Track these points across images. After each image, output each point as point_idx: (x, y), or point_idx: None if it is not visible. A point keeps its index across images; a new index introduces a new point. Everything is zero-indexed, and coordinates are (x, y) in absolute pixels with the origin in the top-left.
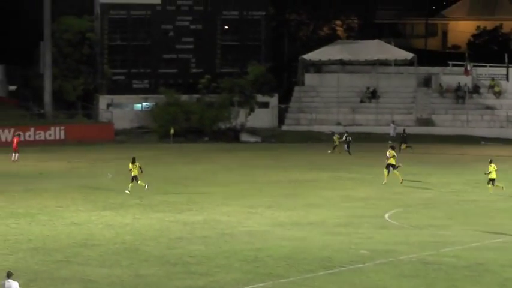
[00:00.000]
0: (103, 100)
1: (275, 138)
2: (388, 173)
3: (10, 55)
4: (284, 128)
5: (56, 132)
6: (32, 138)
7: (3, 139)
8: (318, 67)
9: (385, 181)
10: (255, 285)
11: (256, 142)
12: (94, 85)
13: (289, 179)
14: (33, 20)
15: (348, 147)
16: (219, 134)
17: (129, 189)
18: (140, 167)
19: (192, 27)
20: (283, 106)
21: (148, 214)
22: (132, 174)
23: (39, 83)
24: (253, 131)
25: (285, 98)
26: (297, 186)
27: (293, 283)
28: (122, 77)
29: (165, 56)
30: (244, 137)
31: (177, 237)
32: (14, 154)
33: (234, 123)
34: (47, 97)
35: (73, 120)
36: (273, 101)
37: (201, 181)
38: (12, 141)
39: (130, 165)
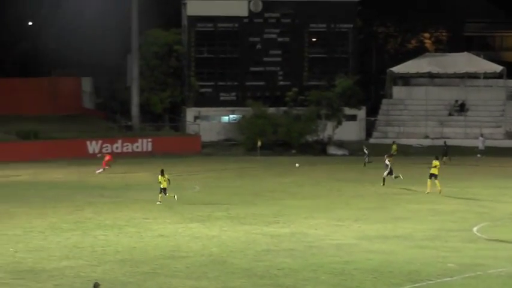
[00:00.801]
0: (190, 112)
1: (362, 151)
2: (432, 182)
3: (98, 68)
4: (372, 141)
5: (143, 145)
6: (119, 150)
7: (91, 151)
8: (406, 80)
9: (427, 191)
10: None
11: (344, 155)
12: (181, 97)
13: (376, 192)
14: (120, 33)
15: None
16: (306, 147)
17: (160, 200)
18: (168, 180)
19: (280, 39)
20: (371, 119)
21: (235, 226)
22: (161, 187)
23: (126, 96)
24: (340, 144)
25: (373, 111)
26: (384, 199)
27: None
28: (209, 90)
29: (252, 68)
30: (331, 149)
31: (263, 250)
32: (102, 169)
33: (321, 136)
34: (134, 109)
35: (160, 133)
36: (361, 113)
37: (288, 194)
38: (104, 156)
39: (160, 177)
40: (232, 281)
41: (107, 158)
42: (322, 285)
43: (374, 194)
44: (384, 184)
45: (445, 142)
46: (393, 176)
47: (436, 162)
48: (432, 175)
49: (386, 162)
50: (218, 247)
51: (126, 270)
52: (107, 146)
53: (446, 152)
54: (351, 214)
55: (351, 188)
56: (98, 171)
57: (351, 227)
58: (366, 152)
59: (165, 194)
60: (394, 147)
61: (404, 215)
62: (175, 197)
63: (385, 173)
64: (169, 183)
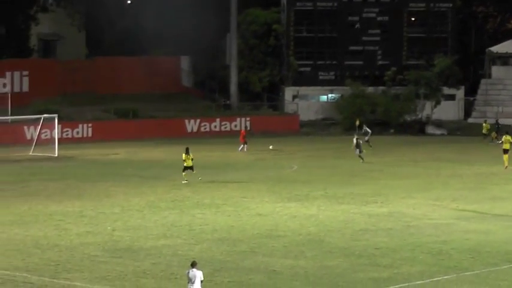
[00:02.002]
0: (288, 92)
1: (461, 131)
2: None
3: (196, 47)
4: (470, 120)
5: (242, 123)
6: (217, 129)
7: (189, 130)
8: (505, 60)
9: (506, 165)
10: (439, 278)
11: (442, 135)
12: (279, 77)
13: (474, 172)
14: (219, 11)
15: None
16: (405, 126)
17: (185, 179)
18: (192, 159)
19: (379, 19)
20: (469, 99)
21: (333, 206)
22: (185, 165)
23: (225, 75)
24: (439, 124)
25: (471, 91)
26: (482, 179)
27: (477, 276)
28: (308, 69)
29: (351, 47)
30: (430, 129)
31: (361, 229)
32: (242, 146)
33: (419, 116)
34: (233, 88)
35: (258, 112)
36: (459, 93)
37: (386, 173)
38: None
39: (184, 155)
40: (330, 260)
41: (243, 133)
42: (419, 264)
43: (472, 174)
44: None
45: (496, 121)
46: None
47: (507, 137)
48: (505, 150)
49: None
50: (316, 226)
51: (224, 249)
52: (205, 125)
53: (498, 131)
54: (448, 194)
55: (449, 167)
56: (240, 148)
57: (448, 207)
58: (369, 130)
59: (193, 170)
60: (486, 126)
61: (503, 195)
62: (187, 181)
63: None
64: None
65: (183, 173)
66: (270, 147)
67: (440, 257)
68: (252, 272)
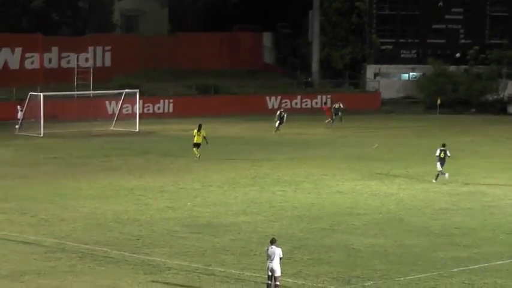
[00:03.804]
0: (370, 69)
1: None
2: None
3: (279, 23)
4: None
5: (323, 101)
6: (298, 106)
7: (270, 107)
8: None
9: None
10: None
11: None
12: (361, 54)
13: None
14: None
15: None
16: (486, 106)
17: (198, 155)
18: (205, 137)
19: None
20: None
21: (414, 185)
22: (195, 141)
23: (307, 52)
24: None
25: None
26: None
27: None
28: (390, 47)
29: (433, 26)
30: (511, 109)
31: (441, 209)
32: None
33: (501, 95)
34: (315, 66)
35: (340, 89)
36: None
37: (467, 153)
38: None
39: (195, 131)
40: (409, 238)
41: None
42: (499, 245)
43: None
44: None
45: None
46: None
47: None
48: None
49: None
50: (396, 205)
51: (303, 226)
52: (286, 102)
53: None
54: None
55: None
56: (327, 121)
57: None
58: (342, 106)
59: (198, 148)
60: None
61: None
62: (199, 156)
63: None
64: (207, 142)
65: (194, 149)
66: (375, 145)
67: None
68: (331, 250)
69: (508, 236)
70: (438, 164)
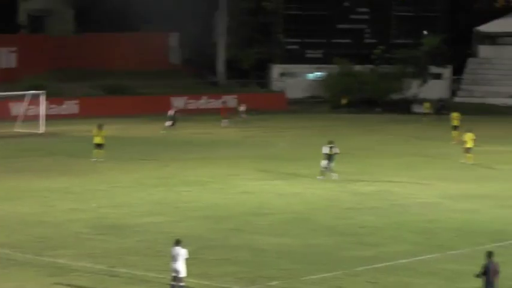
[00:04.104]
0: (276, 69)
1: (447, 110)
2: None
3: (185, 24)
4: (457, 99)
5: (229, 101)
6: (204, 107)
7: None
8: (493, 39)
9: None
10: (424, 257)
11: (428, 113)
12: (268, 54)
13: (461, 151)
14: None
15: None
16: (392, 105)
17: (95, 158)
18: (105, 136)
19: None
20: (456, 78)
21: (319, 184)
22: (96, 141)
23: (213, 52)
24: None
25: (459, 70)
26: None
27: (462, 255)
28: (296, 47)
29: (339, 25)
30: (416, 108)
31: (347, 208)
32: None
33: (406, 94)
34: (221, 66)
35: (246, 89)
36: (447, 72)
37: (373, 152)
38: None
39: (95, 131)
40: (315, 238)
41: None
42: (404, 243)
43: (459, 153)
44: None
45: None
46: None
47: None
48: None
49: None
50: (302, 204)
51: (210, 227)
52: (192, 102)
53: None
54: (435, 173)
55: (435, 146)
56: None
57: (435, 186)
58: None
59: (99, 148)
60: (426, 105)
61: (489, 174)
62: (96, 159)
63: None
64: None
65: (94, 151)
66: (282, 145)
67: (425, 235)
68: (237, 250)
69: (412, 234)
70: (325, 161)
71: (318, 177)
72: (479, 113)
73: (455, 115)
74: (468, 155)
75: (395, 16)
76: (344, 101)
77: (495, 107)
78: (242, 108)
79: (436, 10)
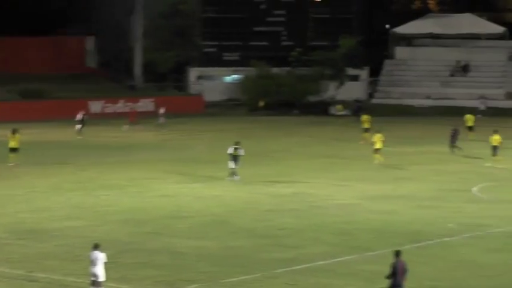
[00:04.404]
0: (193, 72)
1: (365, 111)
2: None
3: (101, 27)
4: (374, 101)
5: (146, 105)
6: (121, 110)
7: (93, 111)
8: (409, 40)
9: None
10: (342, 258)
11: (346, 115)
12: (186, 57)
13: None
14: None
15: None
16: (309, 107)
17: (12, 162)
18: (19, 141)
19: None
20: (373, 79)
21: (238, 186)
22: (11, 146)
23: (130, 56)
24: (345, 105)
25: (376, 72)
26: (386, 159)
27: (380, 256)
28: (213, 50)
29: (256, 28)
30: (333, 110)
31: (266, 210)
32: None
33: (323, 96)
34: (137, 69)
35: (163, 93)
36: (363, 74)
37: (291, 154)
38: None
39: (10, 135)
40: (234, 240)
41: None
42: (323, 245)
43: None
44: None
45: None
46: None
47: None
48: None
49: None
50: (220, 207)
51: (129, 231)
52: (109, 106)
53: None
54: (353, 174)
55: (353, 148)
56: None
57: (353, 187)
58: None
59: (14, 152)
60: (339, 107)
61: (406, 175)
62: (13, 164)
63: None
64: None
65: (10, 155)
66: (201, 148)
67: (344, 237)
68: (156, 253)
69: (331, 236)
70: (231, 162)
71: (227, 178)
72: (397, 114)
73: (365, 117)
74: (376, 155)
75: (312, 18)
76: (261, 104)
77: (412, 108)
78: (162, 111)
79: (352, 12)
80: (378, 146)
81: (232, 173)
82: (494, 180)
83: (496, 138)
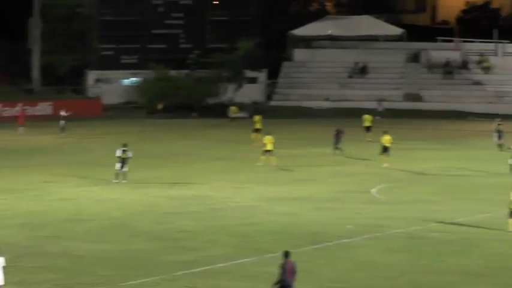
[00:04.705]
0: (92, 75)
1: (263, 113)
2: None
3: None
4: (273, 103)
5: (44, 108)
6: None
7: None
8: (308, 43)
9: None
10: (242, 260)
11: (244, 117)
12: (84, 60)
13: (277, 154)
14: None
15: None
16: (208, 109)
17: None
18: None
19: (182, 2)
20: (272, 81)
21: (137, 190)
22: None
23: (28, 59)
24: (241, 107)
25: (274, 74)
26: (285, 161)
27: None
28: (111, 52)
29: (154, 31)
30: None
31: (165, 213)
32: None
33: (222, 99)
34: (35, 72)
35: (61, 96)
36: (262, 76)
37: (190, 156)
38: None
39: None
40: (134, 243)
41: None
42: (223, 247)
43: (275, 156)
44: None
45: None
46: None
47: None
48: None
49: None
50: (120, 210)
51: (27, 234)
52: (7, 110)
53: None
54: (252, 176)
55: (252, 150)
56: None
57: (252, 189)
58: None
59: None
60: (233, 109)
61: (305, 177)
62: None
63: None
64: None
65: None
66: (97, 151)
67: (243, 239)
68: (55, 257)
69: (230, 238)
70: (119, 164)
71: (113, 180)
72: (295, 116)
73: (257, 118)
74: (264, 157)
75: (209, 21)
76: (160, 106)
77: (311, 110)
78: (63, 114)
79: (250, 14)
80: (268, 147)
81: (119, 175)
82: (392, 181)
83: (386, 139)
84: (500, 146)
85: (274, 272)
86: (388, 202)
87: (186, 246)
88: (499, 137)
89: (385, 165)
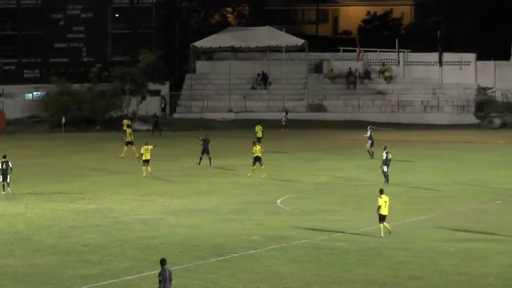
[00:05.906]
0: None
1: (167, 126)
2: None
3: None
4: (176, 115)
5: None
6: None
7: None
8: (209, 54)
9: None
10: (147, 273)
11: (148, 130)
12: None
13: (181, 167)
14: None
15: None
16: (111, 123)
17: None
18: None
19: (83, 15)
20: (175, 94)
21: (41, 204)
22: None
23: None
24: (145, 119)
25: (177, 86)
26: (189, 173)
27: (186, 270)
28: (13, 67)
29: (56, 45)
30: (136, 125)
31: (69, 227)
32: None
33: (125, 112)
34: None
35: None
36: (164, 88)
37: (93, 170)
38: None
39: None
40: (39, 258)
41: None
42: (127, 260)
43: (179, 169)
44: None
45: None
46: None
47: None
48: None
49: None
50: (24, 224)
51: None
52: None
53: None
54: (156, 189)
55: (156, 163)
56: None
57: (156, 202)
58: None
59: None
60: (126, 121)
61: (209, 189)
62: None
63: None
64: None
65: None
66: None
67: (148, 252)
68: None
69: (135, 251)
70: (1, 176)
71: (2, 193)
72: (198, 128)
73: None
74: (145, 167)
75: (111, 34)
76: (63, 120)
77: (214, 121)
78: None
79: (151, 27)
80: (146, 157)
81: (4, 186)
82: (296, 192)
83: (257, 149)
84: (371, 153)
85: (180, 284)
86: (293, 213)
87: (91, 260)
88: (371, 145)
89: (264, 175)
